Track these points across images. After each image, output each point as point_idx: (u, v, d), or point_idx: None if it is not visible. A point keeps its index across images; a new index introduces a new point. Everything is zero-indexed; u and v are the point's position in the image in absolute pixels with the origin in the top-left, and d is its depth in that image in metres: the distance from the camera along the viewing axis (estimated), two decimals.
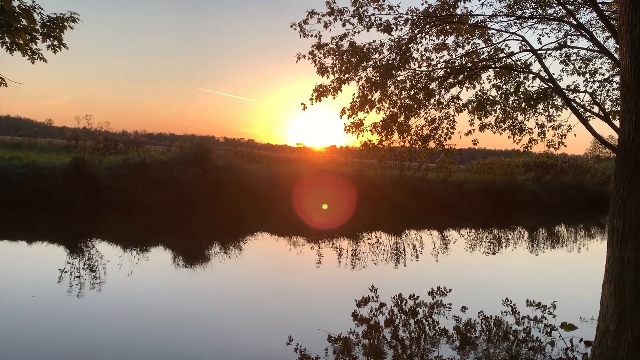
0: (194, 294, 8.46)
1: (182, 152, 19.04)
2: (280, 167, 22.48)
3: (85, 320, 6.76)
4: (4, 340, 5.96)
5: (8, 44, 5.77)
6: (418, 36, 10.02)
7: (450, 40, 10.53)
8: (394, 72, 9.71)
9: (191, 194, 16.88)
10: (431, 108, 10.70)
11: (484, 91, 10.97)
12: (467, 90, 10.85)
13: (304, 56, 9.91)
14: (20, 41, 5.60)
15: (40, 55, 5.97)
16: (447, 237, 16.76)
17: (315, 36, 9.66)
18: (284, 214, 18.09)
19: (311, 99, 9.91)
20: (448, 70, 10.38)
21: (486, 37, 10.65)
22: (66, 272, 9.05)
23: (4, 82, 6.18)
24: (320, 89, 9.86)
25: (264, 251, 12.73)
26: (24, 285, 8.30)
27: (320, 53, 9.90)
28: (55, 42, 5.78)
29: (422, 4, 9.81)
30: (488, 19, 10.39)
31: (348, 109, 10.14)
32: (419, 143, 10.77)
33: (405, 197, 21.84)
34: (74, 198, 15.13)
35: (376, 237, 15.57)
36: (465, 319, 7.67)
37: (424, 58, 10.33)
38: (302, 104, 9.89)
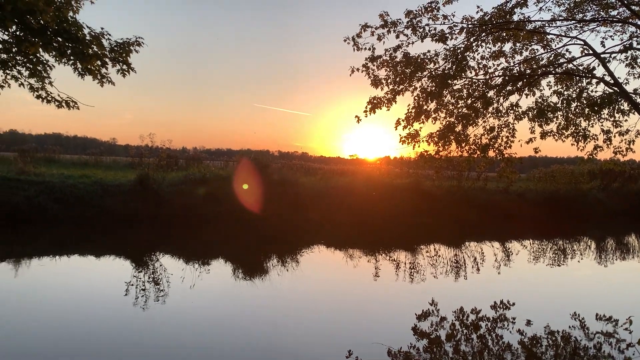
0: (253, 307, 8.59)
1: (240, 167, 19.48)
2: (335, 180, 22.54)
3: (151, 333, 6.99)
4: (73, 352, 6.25)
5: (80, 69, 6.14)
6: (474, 44, 9.87)
7: (507, 47, 10.31)
8: (450, 81, 9.60)
9: (249, 207, 17.19)
10: (489, 116, 10.48)
11: (545, 98, 10.64)
12: (526, 97, 10.57)
13: (358, 69, 9.97)
14: (92, 67, 5.95)
15: (109, 79, 6.32)
16: (509, 248, 16.23)
17: (369, 49, 9.71)
18: (339, 226, 18.10)
19: (365, 111, 9.93)
20: (506, 77, 10.15)
21: (545, 42, 10.35)
22: (132, 285, 9.39)
23: (76, 105, 6.60)
24: (375, 101, 9.87)
25: (321, 263, 12.77)
26: (94, 298, 8.69)
27: (374, 65, 9.93)
28: (125, 67, 6.10)
29: (477, 12, 9.68)
30: (547, 24, 10.10)
31: (403, 120, 10.09)
32: (478, 152, 10.55)
33: (464, 208, 21.35)
34: (139, 213, 15.77)
35: (434, 249, 15.29)
36: (530, 334, 7.39)
37: (480, 66, 10.15)
38: (356, 116, 9.92)
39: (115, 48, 6.12)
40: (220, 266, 11.81)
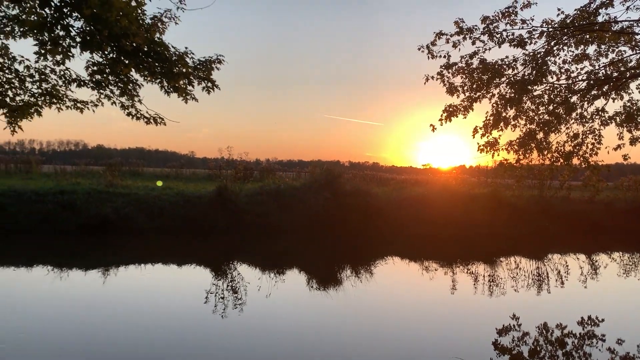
0: (327, 317, 8.62)
1: (312, 177, 19.70)
2: (408, 190, 22.25)
3: (230, 340, 7.18)
4: (156, 357, 6.53)
5: (166, 88, 6.51)
6: (555, 48, 9.47)
7: (591, 49, 9.80)
8: (530, 87, 9.26)
9: (322, 218, 17.34)
10: (573, 123, 9.99)
11: (634, 101, 10.00)
12: (613, 101, 9.98)
13: (432, 77, 9.84)
14: (179, 85, 6.28)
15: (193, 96, 6.65)
16: (596, 261, 15.30)
17: (444, 56, 9.57)
18: (413, 237, 17.83)
19: (441, 119, 9.77)
20: (591, 81, 9.65)
21: (633, 43, 9.74)
22: (211, 293, 9.70)
23: (163, 121, 6.99)
24: (450, 109, 9.69)
25: (395, 275, 12.63)
26: (175, 305, 9.07)
27: (449, 72, 9.77)
28: (209, 84, 6.40)
29: (558, 14, 9.28)
30: (635, 24, 9.51)
31: (481, 128, 9.84)
32: (561, 160, 10.08)
33: (546, 219, 20.37)
34: (218, 223, 16.34)
35: (515, 261, 14.69)
36: (622, 353, 6.91)
37: (562, 70, 9.73)
38: (431, 125, 9.79)
39: (199, 66, 6.44)
40: (295, 276, 11.97)
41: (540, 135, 9.77)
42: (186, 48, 6.60)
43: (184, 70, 6.21)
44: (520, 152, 9.84)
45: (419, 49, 9.70)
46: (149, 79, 6.44)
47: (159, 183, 20.95)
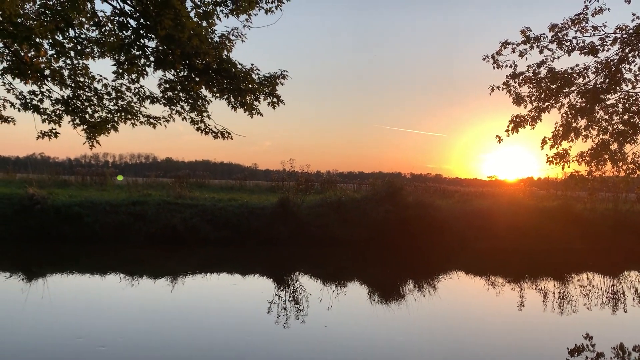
0: (389, 331, 8.53)
1: (373, 189, 19.64)
2: (473, 202, 21.69)
3: (292, 351, 7.26)
4: None
5: (233, 103, 6.75)
6: (630, 55, 9.02)
7: None
8: (602, 96, 8.85)
9: (384, 230, 17.22)
10: None
11: None
12: None
13: (498, 87, 9.63)
14: (246, 100, 6.51)
15: (258, 111, 6.87)
16: None
17: (510, 66, 9.34)
18: (479, 252, 17.35)
19: (507, 130, 9.52)
20: None
21: None
22: (274, 303, 9.85)
23: (230, 135, 7.25)
24: (517, 120, 9.43)
25: (460, 290, 12.33)
26: (239, 313, 9.29)
27: (516, 82, 9.53)
28: (275, 99, 6.59)
29: (633, 19, 8.85)
30: None
31: (549, 139, 9.50)
32: (637, 172, 9.54)
33: (622, 233, 19.23)
34: (280, 234, 16.61)
35: (587, 278, 13.97)
36: None
37: (638, 78, 9.23)
38: (497, 136, 9.56)
39: (264, 82, 6.64)
40: (356, 288, 11.96)
41: (615, 145, 9.29)
42: (252, 64, 6.85)
43: (251, 86, 6.43)
44: (593, 164, 9.40)
45: (484, 59, 9.52)
46: (217, 95, 6.72)
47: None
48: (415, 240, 17.28)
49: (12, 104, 7.72)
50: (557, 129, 9.43)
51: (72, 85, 7.35)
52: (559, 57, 9.15)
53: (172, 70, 6.46)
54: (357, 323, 9.00)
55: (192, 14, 5.65)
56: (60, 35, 6.38)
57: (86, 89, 7.43)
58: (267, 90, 6.67)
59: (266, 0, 6.81)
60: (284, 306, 9.60)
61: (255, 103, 6.71)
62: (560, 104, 9.36)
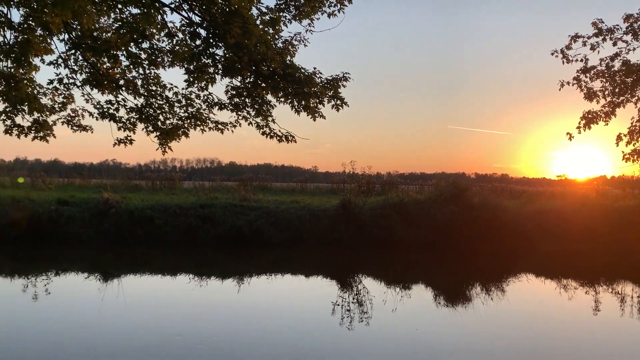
0: (456, 336, 8.36)
1: (437, 190, 19.30)
2: (542, 202, 20.87)
3: (356, 354, 7.26)
4: None
5: (296, 107, 6.87)
6: None
7: None
8: None
9: (448, 232, 16.90)
10: None
11: None
12: None
13: (568, 82, 9.26)
14: (309, 104, 6.62)
15: (321, 114, 6.95)
16: None
17: (581, 60, 8.96)
18: (549, 253, 16.66)
19: (578, 127, 9.16)
20: None
21: None
22: (338, 305, 9.88)
23: (293, 139, 7.39)
24: (589, 116, 9.05)
25: (529, 293, 11.89)
26: (303, 315, 9.38)
27: (587, 77, 9.14)
28: (338, 102, 6.65)
29: None
30: None
31: (625, 135, 9.04)
32: None
33: None
34: (342, 236, 16.66)
35: None
36: None
37: None
38: (567, 133, 9.22)
39: (326, 85, 6.71)
40: (420, 291, 11.81)
41: None
42: (314, 68, 6.94)
43: (315, 90, 6.52)
44: None
45: (552, 54, 9.19)
46: (282, 100, 6.86)
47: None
48: (481, 242, 16.83)
49: (90, 114, 8.23)
50: (634, 124, 8.96)
51: (145, 94, 7.73)
52: (634, 49, 8.69)
53: (239, 77, 6.67)
54: (422, 326, 8.88)
55: (257, 21, 5.81)
56: (134, 47, 6.74)
57: (158, 97, 7.80)
58: (329, 93, 6.74)
59: (329, 4, 6.90)
60: (347, 308, 9.62)
61: (319, 106, 6.80)
62: (636, 97, 8.89)
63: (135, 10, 7.14)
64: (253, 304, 10.07)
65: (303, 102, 6.59)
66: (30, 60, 7.28)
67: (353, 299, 10.53)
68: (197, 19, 6.35)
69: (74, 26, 7.25)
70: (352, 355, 7.16)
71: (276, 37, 6.50)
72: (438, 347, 7.57)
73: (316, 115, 6.90)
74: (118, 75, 7.54)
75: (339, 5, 6.96)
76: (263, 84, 6.46)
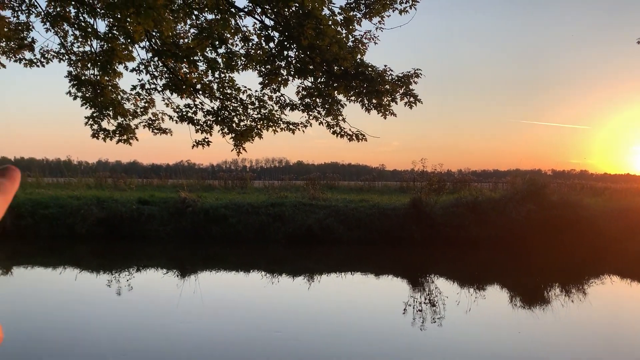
0: (533, 337, 8.04)
1: (513, 188, 18.62)
2: (627, 200, 19.62)
3: (428, 353, 7.16)
4: None
5: (367, 105, 6.85)
6: None
7: None
8: None
9: (524, 231, 16.27)
10: None
11: None
12: None
13: None
14: (382, 102, 6.58)
15: (391, 111, 6.88)
16: None
17: None
18: (634, 254, 15.63)
19: None
20: None
21: None
22: (409, 305, 9.77)
23: (364, 137, 7.38)
24: None
25: (614, 296, 11.23)
26: (372, 314, 9.36)
27: None
28: (411, 99, 6.57)
29: None
30: None
31: None
32: None
33: None
34: (413, 235, 16.45)
35: None
36: None
37: None
38: None
39: (398, 82, 6.64)
40: (495, 292, 11.45)
41: None
42: (385, 66, 6.88)
43: (388, 87, 6.47)
44: None
45: (638, 42, 8.61)
46: (353, 98, 6.87)
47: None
48: (560, 242, 16.08)
49: (170, 117, 8.62)
50: None
51: (221, 97, 8.00)
52: None
53: (311, 78, 6.75)
54: (498, 328, 8.62)
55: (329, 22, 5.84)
56: (212, 52, 6.98)
57: (233, 100, 8.04)
58: (401, 91, 6.66)
59: (400, 1, 6.83)
60: (419, 308, 9.50)
61: (392, 104, 6.74)
62: None
63: (210, 16, 7.42)
64: (323, 302, 10.17)
65: (374, 101, 6.56)
66: (115, 67, 7.74)
67: (425, 299, 10.38)
68: (269, 22, 6.49)
69: (154, 33, 7.62)
70: (424, 356, 7.08)
71: (349, 36, 6.51)
72: (514, 349, 7.31)
73: (387, 113, 6.86)
74: (195, 80, 7.85)
75: (410, 1, 6.87)
76: (335, 84, 6.49)
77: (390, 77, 6.85)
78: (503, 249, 16.13)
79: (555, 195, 17.83)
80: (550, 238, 16.14)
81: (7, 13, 8.50)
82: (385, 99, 6.54)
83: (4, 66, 8.93)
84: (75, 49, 8.53)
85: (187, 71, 7.80)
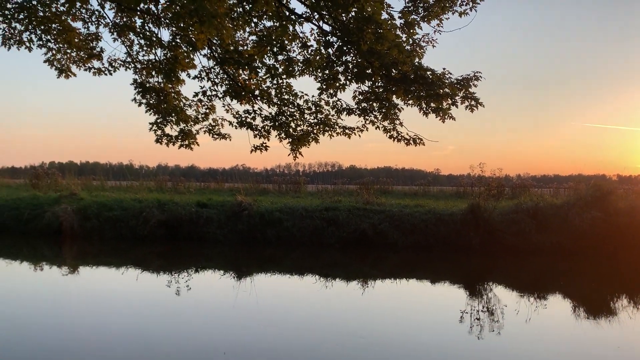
0: (598, 350, 7.67)
1: (576, 194, 17.87)
2: None
3: None
4: None
5: (424, 109, 6.78)
6: None
7: None
8: None
9: (589, 239, 15.58)
10: None
11: None
12: None
13: None
14: (443, 106, 6.50)
15: (450, 115, 6.77)
16: None
17: None
18: None
19: None
20: None
21: None
22: (466, 313, 9.54)
23: (422, 141, 7.30)
24: None
25: None
26: (430, 321, 9.20)
27: None
28: (472, 102, 6.46)
29: None
30: None
31: None
32: None
33: None
34: (470, 242, 16.09)
35: None
36: None
37: None
38: None
39: (457, 85, 6.53)
40: (557, 301, 11.03)
41: None
42: (444, 69, 6.79)
43: (448, 91, 6.39)
44: None
45: None
46: (410, 102, 6.82)
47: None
48: (628, 251, 15.30)
49: (230, 123, 8.85)
50: None
51: (278, 102, 8.14)
52: None
53: (368, 82, 6.76)
54: (560, 339, 8.28)
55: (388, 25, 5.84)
56: (271, 58, 7.13)
57: (290, 106, 8.16)
58: (460, 94, 6.55)
59: (460, 3, 6.73)
60: (477, 317, 9.27)
61: (452, 108, 6.64)
62: None
63: (268, 24, 7.58)
64: (377, 307, 10.10)
65: (432, 104, 6.48)
66: (178, 75, 8.03)
67: (483, 307, 10.12)
68: (327, 27, 6.55)
69: (214, 41, 7.86)
70: None
71: (408, 40, 6.48)
72: None
73: (445, 117, 6.75)
74: (254, 86, 8.03)
75: (470, 3, 6.75)
76: (394, 88, 6.46)
77: (449, 80, 6.75)
78: (565, 257, 15.51)
79: (622, 202, 16.98)
80: (617, 246, 15.39)
81: (78, 24, 9.00)
82: (445, 103, 6.44)
83: (74, 75, 9.44)
84: (140, 58, 8.92)
85: (247, 78, 7.99)
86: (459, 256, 15.89)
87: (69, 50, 9.05)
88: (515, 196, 21.30)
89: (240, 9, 7.34)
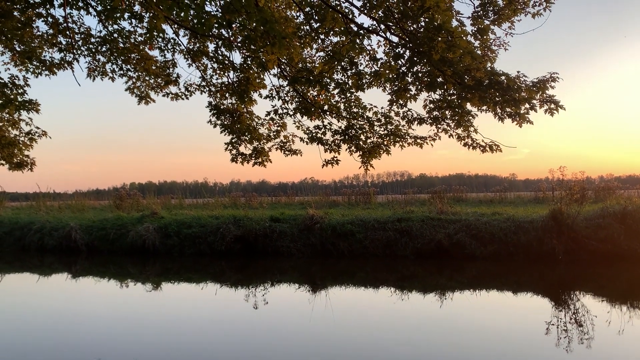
0: None
1: None
2: None
3: None
4: None
5: (499, 114, 6.57)
6: None
7: None
8: None
9: None
10: None
11: None
12: None
13: None
14: (520, 110, 6.28)
15: (528, 119, 6.51)
16: None
17: None
18: None
19: None
20: None
21: None
22: (552, 324, 9.10)
23: (498, 148, 7.07)
24: None
25: None
26: (515, 333, 8.81)
27: None
28: (552, 106, 6.19)
29: None
30: None
31: None
32: None
33: None
34: (553, 249, 15.32)
35: None
36: None
37: None
38: None
39: (533, 88, 6.28)
40: None
41: None
42: (518, 72, 6.55)
43: (524, 94, 6.16)
44: None
45: None
46: (484, 108, 6.63)
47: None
48: None
49: (300, 139, 9.00)
50: None
51: (348, 116, 8.18)
52: None
53: (439, 90, 6.65)
54: None
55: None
56: (340, 74, 7.20)
57: (359, 119, 8.18)
58: (536, 97, 6.29)
59: (533, 4, 6.49)
60: (564, 328, 8.80)
61: (530, 112, 6.38)
62: None
63: (335, 39, 7.66)
64: (458, 320, 9.82)
65: (508, 109, 6.25)
66: (250, 95, 8.28)
67: (570, 318, 9.59)
68: (394, 39, 6.52)
69: (283, 60, 8.04)
70: None
71: (483, 46, 6.33)
72: None
73: (522, 121, 6.49)
74: (323, 102, 8.13)
75: (544, 3, 6.48)
76: (468, 95, 6.31)
77: (524, 83, 6.50)
78: None
79: None
80: None
81: (155, 52, 9.52)
82: (523, 108, 6.21)
83: (153, 101, 9.95)
84: (214, 81, 9.28)
85: (316, 94, 8.10)
86: (542, 265, 15.17)
87: (147, 78, 9.57)
88: (599, 200, 20.12)
89: (308, 27, 7.48)
